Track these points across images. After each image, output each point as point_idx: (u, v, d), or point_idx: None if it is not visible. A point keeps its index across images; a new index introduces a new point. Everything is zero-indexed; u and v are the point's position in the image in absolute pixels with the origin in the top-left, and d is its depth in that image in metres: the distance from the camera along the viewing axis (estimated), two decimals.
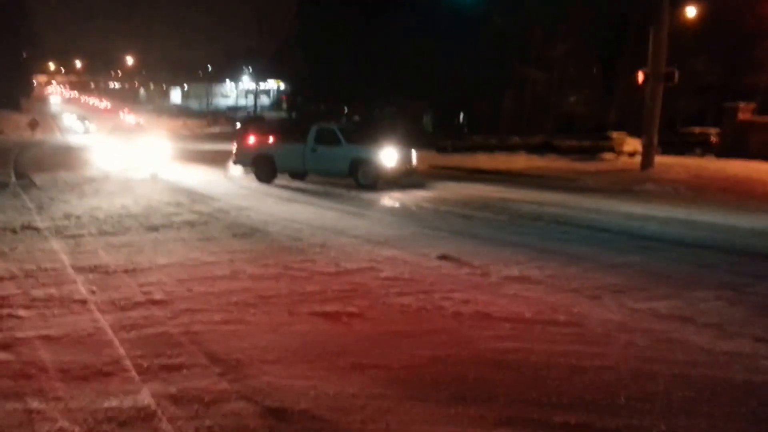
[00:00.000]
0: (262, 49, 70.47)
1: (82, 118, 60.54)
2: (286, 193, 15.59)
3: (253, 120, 58.94)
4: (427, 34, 38.54)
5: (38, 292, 6.21)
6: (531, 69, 35.87)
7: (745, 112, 25.41)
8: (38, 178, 18.30)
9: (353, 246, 8.66)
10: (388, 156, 16.48)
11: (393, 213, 12.36)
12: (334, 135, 17.16)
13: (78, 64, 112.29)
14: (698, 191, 17.23)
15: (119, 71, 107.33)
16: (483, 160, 27.79)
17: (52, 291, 6.27)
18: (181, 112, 76.74)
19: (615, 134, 34.79)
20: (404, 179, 17.30)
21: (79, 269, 7.23)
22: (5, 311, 5.61)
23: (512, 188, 17.50)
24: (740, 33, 40.53)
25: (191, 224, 10.52)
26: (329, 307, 5.70)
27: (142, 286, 6.47)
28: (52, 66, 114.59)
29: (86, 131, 56.00)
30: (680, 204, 14.23)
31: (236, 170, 20.27)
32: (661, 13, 21.02)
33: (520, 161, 28.12)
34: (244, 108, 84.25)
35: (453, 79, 38.27)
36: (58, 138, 53.18)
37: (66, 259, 7.74)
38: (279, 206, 13.05)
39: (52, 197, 14.08)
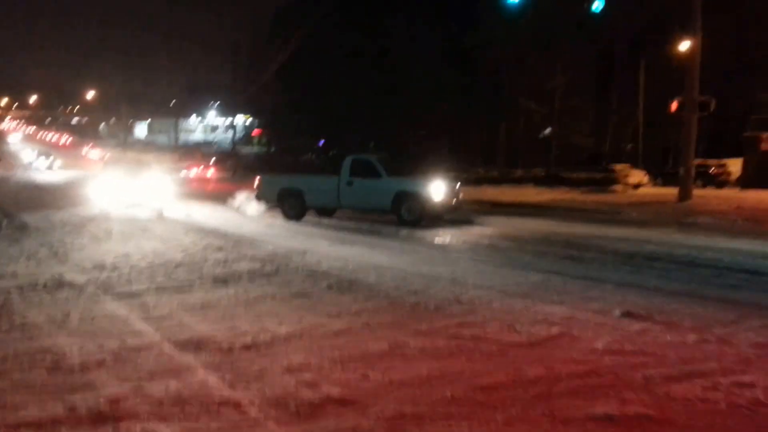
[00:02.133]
0: (231, 84, 68.63)
1: (45, 154, 57.50)
2: (330, 232, 13.81)
3: (230, 155, 56.83)
4: (418, 67, 37.43)
5: (156, 388, 4.37)
6: (529, 101, 34.90)
7: (767, 142, 24.60)
8: (29, 219, 16.15)
9: (492, 300, 6.99)
10: (436, 189, 14.88)
11: (478, 253, 10.70)
12: (373, 167, 15.50)
13: (33, 98, 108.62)
14: (756, 223, 16.09)
15: (77, 106, 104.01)
16: (496, 194, 26.43)
17: (174, 384, 4.44)
18: (149, 147, 73.96)
19: (618, 166, 33.98)
20: (447, 215, 15.69)
21: (181, 345, 5.39)
22: (137, 426, 3.76)
23: (562, 222, 16.14)
24: (732, 64, 40.52)
25: (261, 274, 8.71)
26: (599, 406, 4.00)
27: (292, 373, 4.68)
28: (4, 101, 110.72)
29: (50, 167, 53.09)
30: (755, 236, 12.96)
31: (251, 207, 18.37)
32: (694, 42, 19.96)
33: (534, 194, 26.91)
34: (212, 143, 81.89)
35: (445, 112, 37.06)
36: (21, 175, 50.19)
37: (149, 330, 5.88)
38: (339, 248, 11.29)
39: (62, 241, 12.07)
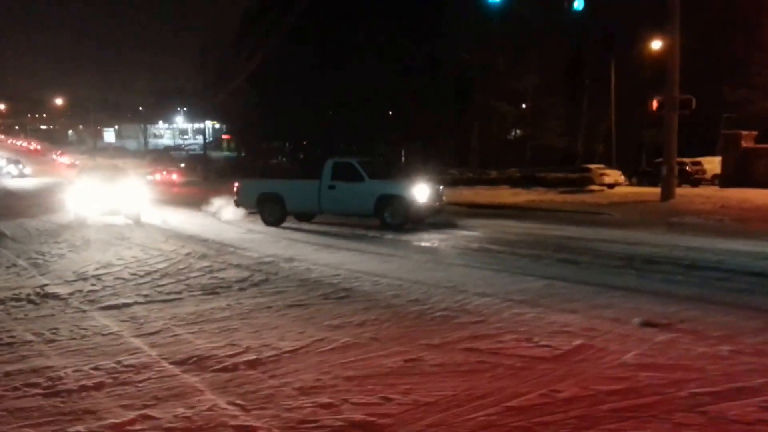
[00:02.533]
0: (200, 90, 67.70)
1: (14, 161, 55.99)
2: (313, 238, 13.45)
3: (200, 159, 56.03)
4: (389, 70, 37.18)
5: (163, 413, 4.02)
6: (500, 102, 34.84)
7: (747, 140, 24.80)
8: (2, 227, 15.52)
9: (499, 308, 6.72)
10: (420, 192, 14.60)
11: (471, 258, 10.41)
12: (355, 170, 15.16)
13: (1, 106, 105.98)
14: (744, 222, 16.08)
15: (44, 113, 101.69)
16: (472, 195, 26.25)
17: (182, 409, 4.09)
18: (117, 152, 72.65)
19: (593, 166, 34.09)
20: (430, 218, 15.42)
21: (181, 364, 5.03)
22: None
23: (547, 224, 15.97)
24: (700, 64, 40.96)
25: (251, 284, 8.35)
26: None
27: (307, 394, 4.35)
28: None
29: (21, 174, 51.71)
30: (747, 237, 12.90)
31: (228, 212, 17.90)
32: (673, 41, 20.02)
33: (510, 195, 26.81)
34: (182, 147, 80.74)
35: (416, 116, 36.87)
36: None
37: (145, 348, 5.50)
38: (325, 254, 10.93)
39: (39, 251, 11.57)
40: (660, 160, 37.75)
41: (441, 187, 15.57)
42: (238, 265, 9.77)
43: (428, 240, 12.96)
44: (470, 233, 13.91)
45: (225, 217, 17.51)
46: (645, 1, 42.18)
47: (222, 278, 8.72)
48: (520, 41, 34.67)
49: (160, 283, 8.43)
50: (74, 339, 5.80)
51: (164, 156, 62.80)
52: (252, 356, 5.21)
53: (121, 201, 16.88)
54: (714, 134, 45.68)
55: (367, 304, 7.07)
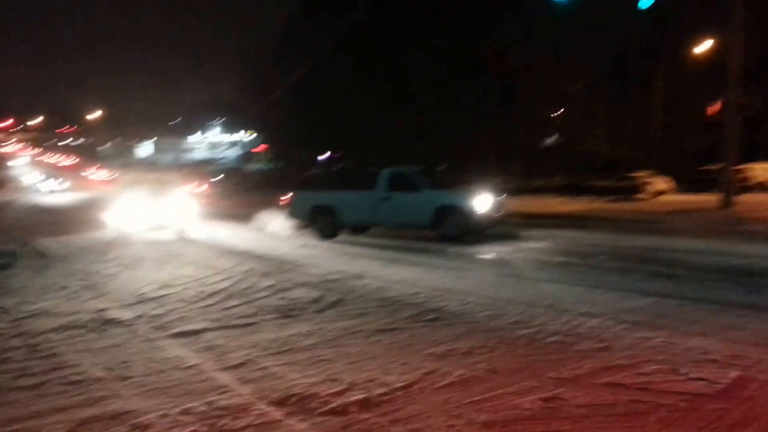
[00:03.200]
0: (238, 100, 67.76)
1: (51, 176, 56.42)
2: (373, 252, 12.74)
3: (237, 172, 55.83)
4: (428, 76, 36.47)
5: None
6: (545, 106, 33.91)
7: None
8: (46, 245, 15.08)
9: (617, 332, 5.94)
10: (482, 202, 13.82)
11: (551, 273, 9.58)
12: (411, 179, 14.44)
13: (38, 119, 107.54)
14: None
15: (82, 125, 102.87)
16: (521, 204, 25.25)
17: None
18: (152, 166, 72.95)
19: (640, 173, 32.94)
20: (489, 230, 14.60)
21: (280, 405, 4.36)
22: None
23: (612, 234, 15.07)
24: (748, 66, 39.61)
25: (327, 304, 7.65)
26: None
27: None
28: (8, 123, 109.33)
29: (57, 189, 51.99)
30: None
31: (276, 226, 17.28)
32: (735, 41, 19.01)
33: (559, 204, 25.88)
34: (217, 160, 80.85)
35: (458, 121, 36.10)
36: (27, 198, 49.12)
37: (234, 384, 4.81)
38: (394, 270, 10.20)
39: (89, 270, 11.02)
40: (707, 167, 36.66)
41: (502, 196, 14.72)
42: (305, 284, 9.09)
43: (496, 253, 12.19)
44: (537, 245, 13.09)
45: (273, 231, 16.89)
46: (692, 2, 41.08)
47: (293, 299, 8.04)
48: (565, 43, 33.67)
49: (227, 305, 7.77)
50: (150, 375, 5.14)
51: (198, 170, 62.76)
52: (360, 395, 4.50)
53: (168, 216, 16.39)
54: (759, 139, 44.22)
55: (465, 327, 6.32)
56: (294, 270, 10.49)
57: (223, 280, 9.59)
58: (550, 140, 43.06)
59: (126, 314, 7.43)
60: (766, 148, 42.98)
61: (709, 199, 23.18)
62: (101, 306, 7.93)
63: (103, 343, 6.20)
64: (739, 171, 34.26)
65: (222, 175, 53.05)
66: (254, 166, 62.69)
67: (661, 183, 32.17)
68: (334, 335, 6.22)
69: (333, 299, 7.91)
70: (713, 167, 36.11)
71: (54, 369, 5.35)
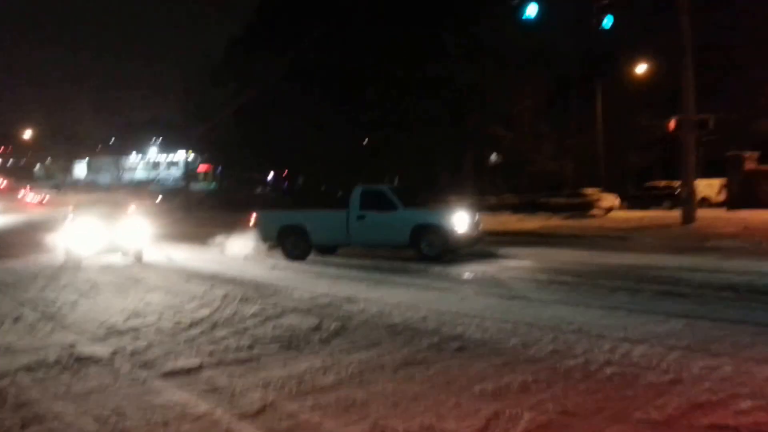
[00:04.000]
0: (174, 119, 65.75)
1: None
2: (353, 273, 11.89)
3: (179, 191, 53.91)
4: (383, 93, 35.97)
5: None
6: (496, 127, 33.81)
7: (750, 161, 24.01)
8: None
9: (675, 359, 5.32)
10: (460, 221, 13.17)
11: (555, 293, 8.96)
12: (387, 198, 13.69)
13: None
14: None
15: (10, 146, 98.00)
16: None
17: None
18: (90, 187, 69.88)
19: (589, 190, 33.14)
20: (467, 248, 13.96)
21: None
22: None
23: (590, 251, 14.76)
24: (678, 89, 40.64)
25: (331, 333, 6.79)
26: None
27: None
28: None
29: None
30: None
31: (236, 247, 16.21)
32: (686, 61, 19.10)
33: (516, 221, 25.58)
34: (156, 180, 78.26)
35: (409, 140, 35.67)
36: None
37: None
38: (385, 292, 9.39)
39: (45, 298, 9.81)
40: (652, 183, 37.26)
41: (478, 215, 14.11)
42: (294, 309, 8.18)
43: (483, 272, 11.49)
44: (520, 263, 12.51)
45: (235, 252, 15.81)
46: (628, 26, 41.98)
47: (288, 327, 7.13)
48: (511, 64, 33.75)
49: (216, 336, 6.80)
50: (154, 426, 4.16)
51: (139, 190, 60.44)
52: None
53: (121, 237, 15.09)
54: (695, 157, 45.45)
55: (500, 358, 5.57)
56: (276, 294, 9.54)
57: (200, 307, 8.56)
58: (494, 159, 43.18)
59: (100, 349, 6.37)
60: (701, 165, 44.17)
61: (667, 215, 23.37)
62: (68, 340, 6.82)
63: (84, 385, 5.17)
64: (672, 187, 35.01)
65: (161, 196, 51.18)
66: (198, 186, 60.76)
67: (609, 200, 32.42)
68: (355, 370, 5.36)
69: (334, 327, 7.03)
70: (658, 184, 36.83)
71: (31, 422, 4.31)
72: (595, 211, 29.04)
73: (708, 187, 36.33)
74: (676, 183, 36.27)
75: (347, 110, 36.05)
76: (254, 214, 15.07)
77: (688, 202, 19.44)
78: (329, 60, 35.95)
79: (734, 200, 23.51)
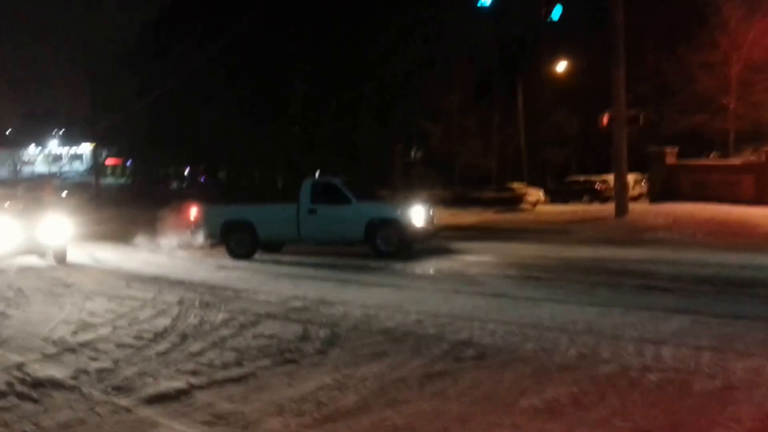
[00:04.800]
0: (77, 111, 62.13)
1: None
2: (312, 271, 11.19)
3: (87, 186, 50.91)
4: (308, 83, 34.99)
5: None
6: (426, 121, 33.57)
7: (671, 156, 24.76)
8: None
9: (713, 361, 4.97)
10: (417, 214, 12.68)
11: (536, 290, 8.58)
12: (339, 191, 13.01)
13: None
14: (713, 236, 15.56)
15: None
16: None
17: None
18: None
19: (516, 185, 33.55)
20: (422, 244, 13.50)
21: None
22: None
23: (542, 245, 14.63)
24: (598, 85, 41.80)
25: (323, 341, 6.13)
26: None
27: None
28: None
29: None
30: (743, 251, 12.36)
31: (170, 245, 15.13)
32: (618, 57, 19.36)
33: (450, 215, 25.21)
34: (60, 174, 73.74)
35: (336, 134, 34.91)
36: None
37: None
38: (359, 293, 8.78)
39: None
40: (573, 178, 38.13)
41: (432, 209, 13.63)
42: (269, 315, 7.43)
43: (447, 268, 11.05)
44: (480, 258, 12.19)
45: (171, 251, 14.73)
46: (547, 24, 42.77)
47: (271, 336, 6.39)
48: (440, 57, 33.63)
49: (191, 350, 5.97)
50: None
51: (42, 184, 56.75)
52: None
53: (38, 236, 13.67)
54: (608, 153, 47.00)
55: (527, 366, 5.08)
56: (238, 298, 8.72)
57: (157, 315, 7.65)
58: (416, 153, 43.11)
59: (58, 370, 5.44)
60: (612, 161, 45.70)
61: (599, 208, 23.80)
62: (11, 360, 5.82)
63: (57, 418, 4.28)
64: (605, 182, 35.98)
65: (67, 191, 48.21)
66: (107, 181, 57.64)
67: (535, 194, 32.88)
68: (374, 387, 4.72)
69: (324, 335, 6.35)
70: (578, 179, 37.72)
71: None
72: (524, 205, 29.32)
73: None
74: (596, 178, 37.40)
75: (273, 103, 34.83)
76: (194, 209, 14.01)
77: (621, 196, 19.71)
78: (254, 52, 34.62)
79: (657, 194, 24.18)
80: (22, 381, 5.15)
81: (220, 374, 5.18)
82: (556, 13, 17.22)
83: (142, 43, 43.23)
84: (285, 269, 11.65)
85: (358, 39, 32.88)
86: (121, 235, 19.01)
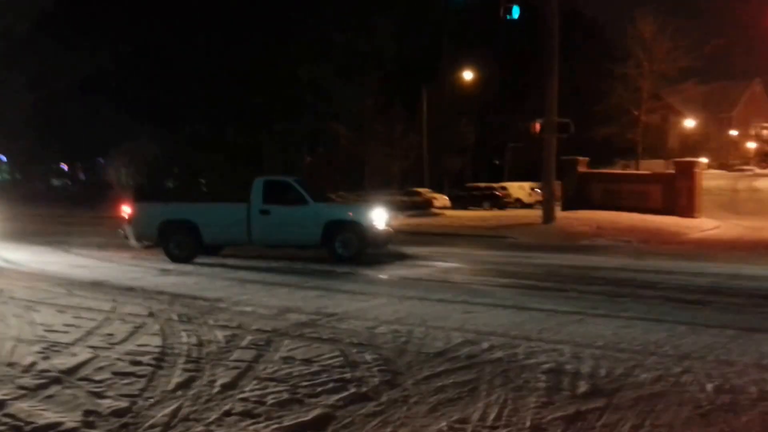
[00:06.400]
0: None
1: None
2: (278, 278, 9.76)
3: None
4: (205, 79, 32.99)
5: None
6: (338, 125, 32.46)
7: (582, 165, 25.17)
8: None
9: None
10: (378, 216, 11.65)
11: (531, 299, 7.80)
12: (294, 190, 11.71)
13: None
14: (648, 243, 15.76)
15: None
16: None
17: None
18: None
19: (422, 190, 33.18)
20: (378, 248, 12.47)
21: None
22: None
23: (494, 251, 14.08)
24: (493, 95, 42.44)
25: (376, 367, 4.99)
26: None
27: None
28: None
29: None
30: (684, 258, 12.62)
31: (91, 246, 13.20)
32: (551, 65, 19.29)
33: None
34: None
35: (243, 136, 33.14)
36: None
37: None
38: (356, 304, 7.61)
39: None
40: (474, 184, 38.34)
41: (389, 211, 12.60)
42: (276, 332, 6.17)
43: (426, 276, 10.07)
44: (451, 265, 11.38)
45: (94, 253, 12.83)
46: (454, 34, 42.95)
47: (307, 360, 5.18)
48: (350, 64, 32.71)
49: (222, 382, 4.63)
50: None
51: None
52: None
53: None
54: (501, 163, 47.98)
55: (681, 407, 4.18)
56: (218, 309, 7.34)
57: (134, 332, 6.17)
58: (308, 158, 41.84)
59: (58, 411, 3.97)
60: (509, 169, 46.71)
61: (524, 213, 23.72)
62: None
63: None
64: (504, 189, 36.42)
65: None
66: None
67: (441, 199, 32.71)
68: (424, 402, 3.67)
69: (371, 359, 5.19)
70: (479, 185, 37.97)
71: None
72: (434, 210, 28.91)
73: (519, 189, 38.30)
74: (496, 185, 37.83)
75: (172, 102, 32.40)
76: (127, 207, 12.15)
77: (549, 202, 19.58)
78: (157, 49, 32.10)
79: (569, 201, 24.44)
80: (17, 430, 3.65)
81: (289, 418, 3.93)
82: (515, 12, 16.74)
83: (33, 35, 38.88)
84: (242, 274, 10.20)
85: (271, 44, 31.25)
86: (22, 234, 16.63)
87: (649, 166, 32.37)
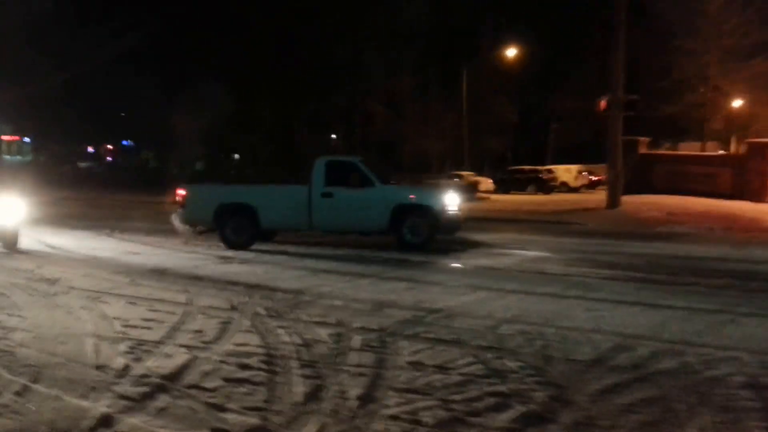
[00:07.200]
0: None
1: None
2: (352, 267, 9.12)
3: None
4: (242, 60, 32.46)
5: None
6: (376, 104, 31.73)
7: (643, 146, 24.16)
8: None
9: None
10: (451, 200, 10.97)
11: (653, 295, 7.07)
12: (359, 172, 11.05)
13: None
14: (731, 232, 14.88)
15: None
16: None
17: None
18: None
19: (464, 173, 32.43)
20: (450, 236, 11.79)
21: None
22: None
23: (561, 238, 13.30)
24: (535, 73, 41.33)
25: (551, 382, 4.29)
26: None
27: None
28: None
29: None
30: None
31: (138, 231, 12.71)
32: (618, 40, 18.37)
33: None
34: None
35: (276, 114, 32.57)
36: None
37: None
38: (463, 297, 6.97)
39: None
40: (520, 167, 37.41)
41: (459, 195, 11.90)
42: (384, 331, 5.51)
43: (506, 265, 9.40)
44: (535, 254, 10.67)
45: (143, 239, 12.34)
46: (495, 12, 41.82)
47: (451, 369, 4.52)
48: (386, 40, 31.89)
49: (353, 393, 4.01)
50: None
51: None
52: None
53: None
54: (544, 141, 46.87)
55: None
56: (304, 302, 6.73)
57: (223, 328, 5.59)
58: (335, 138, 41.10)
59: (178, 431, 3.37)
60: (552, 151, 45.66)
61: (588, 197, 22.78)
62: (82, 406, 3.68)
63: None
64: (551, 172, 35.49)
65: None
66: (8, 158, 51.95)
67: (486, 183, 31.95)
68: None
69: (514, 367, 4.55)
70: (523, 168, 37.07)
71: None
72: (479, 195, 28.16)
73: (566, 172, 37.37)
74: (542, 167, 36.91)
75: (205, 79, 31.93)
76: (182, 190, 11.61)
77: (614, 187, 18.72)
78: (190, 25, 31.65)
79: (629, 185, 23.48)
80: None
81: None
82: None
83: (60, 15, 38.64)
84: (310, 263, 9.59)
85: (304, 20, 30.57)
86: (59, 217, 16.32)
87: (688, 149, 31.01)
